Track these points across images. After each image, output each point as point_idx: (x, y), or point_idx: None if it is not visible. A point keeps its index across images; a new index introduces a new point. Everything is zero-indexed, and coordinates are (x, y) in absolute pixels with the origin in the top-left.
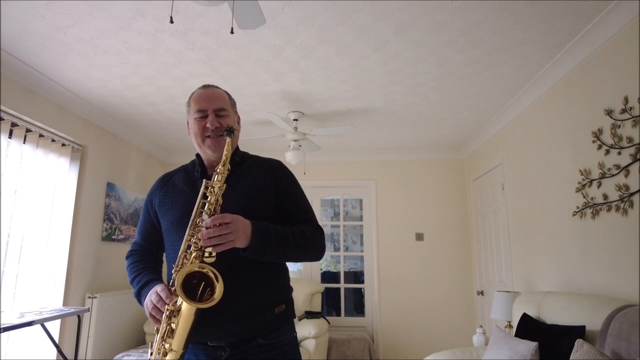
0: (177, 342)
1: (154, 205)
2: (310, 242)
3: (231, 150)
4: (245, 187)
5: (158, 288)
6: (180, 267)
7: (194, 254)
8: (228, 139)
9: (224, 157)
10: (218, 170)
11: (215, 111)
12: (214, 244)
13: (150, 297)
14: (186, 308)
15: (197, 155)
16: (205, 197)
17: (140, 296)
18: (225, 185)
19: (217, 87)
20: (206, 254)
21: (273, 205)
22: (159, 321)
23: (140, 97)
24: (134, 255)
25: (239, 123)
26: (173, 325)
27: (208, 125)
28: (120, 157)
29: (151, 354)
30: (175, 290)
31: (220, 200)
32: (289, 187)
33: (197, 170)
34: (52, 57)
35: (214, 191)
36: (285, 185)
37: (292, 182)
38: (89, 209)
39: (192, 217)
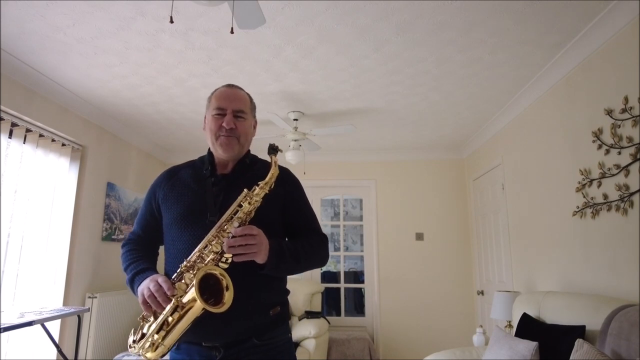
0: (171, 339)
1: (157, 198)
2: (318, 254)
3: (277, 171)
4: None
5: (159, 278)
6: (192, 264)
7: (211, 257)
8: (275, 158)
9: (270, 175)
10: (260, 185)
11: (234, 112)
12: (237, 253)
13: (148, 285)
14: (194, 307)
15: (209, 152)
16: (239, 205)
17: (133, 283)
18: (262, 201)
19: (241, 88)
20: (222, 259)
21: (280, 213)
22: (150, 309)
23: (140, 97)
24: (131, 243)
25: (254, 127)
26: (170, 319)
27: (224, 124)
28: (120, 157)
29: (134, 341)
30: (176, 284)
31: (253, 214)
32: (296, 196)
33: (207, 168)
34: (52, 57)
35: (251, 202)
36: (293, 195)
37: (299, 192)
38: (89, 209)
39: (221, 221)
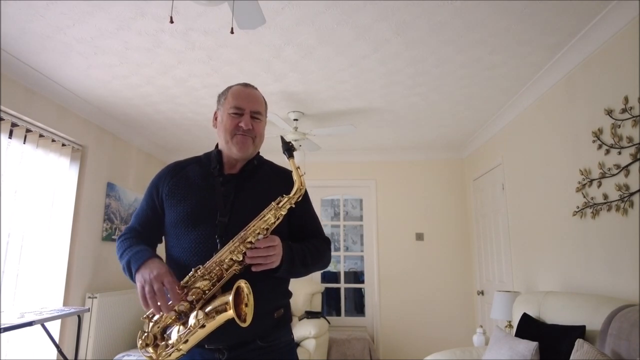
0: (189, 345)
1: (161, 193)
2: (323, 258)
3: (303, 186)
4: (264, 195)
5: (165, 279)
6: (210, 271)
7: (233, 267)
8: (292, 161)
9: (296, 190)
10: (286, 198)
11: (251, 112)
12: (258, 263)
13: (152, 282)
14: (219, 318)
15: (218, 150)
16: (264, 216)
17: (130, 264)
18: (286, 213)
19: (256, 88)
20: (239, 266)
21: (285, 217)
22: (148, 306)
23: (140, 97)
24: (127, 234)
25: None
26: (190, 325)
27: (242, 124)
28: (120, 157)
29: (146, 345)
30: (191, 290)
31: (277, 223)
32: (302, 201)
33: (215, 167)
34: (52, 57)
35: (276, 215)
36: (300, 201)
37: (305, 197)
38: (89, 209)
39: (246, 232)
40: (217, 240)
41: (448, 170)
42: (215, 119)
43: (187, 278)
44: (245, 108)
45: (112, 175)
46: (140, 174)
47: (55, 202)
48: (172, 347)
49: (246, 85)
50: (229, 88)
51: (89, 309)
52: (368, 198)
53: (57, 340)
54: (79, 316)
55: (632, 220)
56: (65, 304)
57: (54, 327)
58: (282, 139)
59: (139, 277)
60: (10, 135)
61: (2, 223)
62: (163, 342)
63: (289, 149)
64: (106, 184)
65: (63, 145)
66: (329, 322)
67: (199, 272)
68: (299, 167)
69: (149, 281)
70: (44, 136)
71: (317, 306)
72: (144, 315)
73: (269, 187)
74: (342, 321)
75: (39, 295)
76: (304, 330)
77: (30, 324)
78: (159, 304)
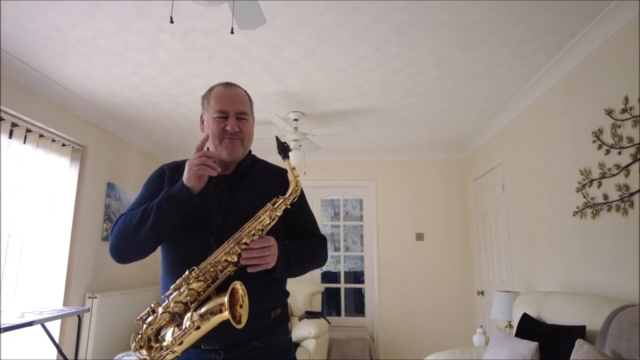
0: (184, 347)
1: (162, 188)
2: (319, 257)
3: (299, 188)
4: (258, 195)
5: (194, 156)
6: (204, 273)
7: (228, 268)
8: (288, 162)
9: (291, 190)
10: (282, 199)
11: (236, 114)
12: (253, 264)
13: (196, 157)
14: (215, 319)
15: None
16: (259, 217)
17: (167, 195)
18: (281, 214)
19: (238, 86)
20: (234, 268)
21: (281, 216)
22: (203, 178)
23: (140, 97)
24: (128, 211)
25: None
26: (185, 326)
27: (228, 128)
28: (120, 157)
29: (140, 347)
30: (185, 291)
31: (272, 224)
32: (298, 200)
33: None
34: (52, 57)
35: (272, 216)
36: (295, 200)
37: (301, 196)
38: (89, 209)
39: (241, 233)
40: (212, 242)
41: (448, 170)
42: (202, 122)
43: (181, 279)
44: (229, 111)
45: (112, 175)
46: (140, 174)
47: (55, 202)
48: (167, 349)
49: (227, 85)
50: (211, 90)
51: (89, 309)
52: (368, 198)
53: (57, 340)
54: (79, 316)
55: (632, 220)
56: (65, 304)
57: (54, 327)
58: (277, 139)
59: (187, 174)
60: (11, 135)
61: (2, 223)
62: (157, 344)
63: (284, 149)
64: (106, 184)
65: (63, 145)
66: (329, 322)
67: (194, 274)
68: (294, 168)
69: (194, 157)
70: (44, 136)
71: (317, 306)
72: (138, 317)
73: (263, 187)
74: (342, 321)
75: (39, 295)
76: (304, 330)
77: (30, 324)
78: (214, 161)
